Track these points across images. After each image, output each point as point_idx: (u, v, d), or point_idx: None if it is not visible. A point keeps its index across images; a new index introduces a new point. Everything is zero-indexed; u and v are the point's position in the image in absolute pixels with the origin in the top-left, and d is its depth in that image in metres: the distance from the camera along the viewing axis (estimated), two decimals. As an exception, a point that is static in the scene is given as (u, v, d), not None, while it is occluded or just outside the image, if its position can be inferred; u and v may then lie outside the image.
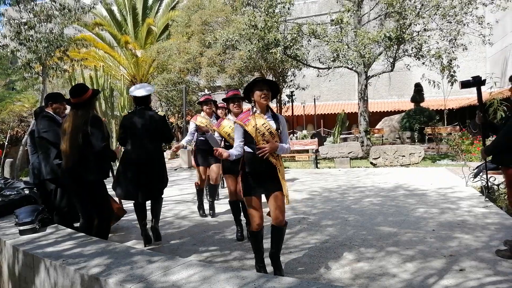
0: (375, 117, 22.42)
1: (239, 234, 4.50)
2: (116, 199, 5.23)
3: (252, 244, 3.33)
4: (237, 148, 3.29)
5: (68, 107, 4.45)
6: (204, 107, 5.66)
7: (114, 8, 21.51)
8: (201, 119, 5.64)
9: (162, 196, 4.58)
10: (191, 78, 20.37)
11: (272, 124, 3.22)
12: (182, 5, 21.36)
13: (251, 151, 3.20)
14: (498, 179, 6.11)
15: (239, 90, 4.77)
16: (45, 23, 9.79)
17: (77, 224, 5.08)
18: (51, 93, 4.86)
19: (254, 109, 3.27)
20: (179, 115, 20.14)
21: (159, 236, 4.50)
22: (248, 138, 3.22)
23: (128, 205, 6.58)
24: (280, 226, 3.23)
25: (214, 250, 4.14)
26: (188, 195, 7.79)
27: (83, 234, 3.62)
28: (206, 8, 18.46)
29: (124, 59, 20.93)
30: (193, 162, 6.08)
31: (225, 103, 4.74)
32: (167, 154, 19.25)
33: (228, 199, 4.56)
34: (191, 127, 5.66)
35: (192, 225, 5.29)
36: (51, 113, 4.57)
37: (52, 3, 9.75)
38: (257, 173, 3.19)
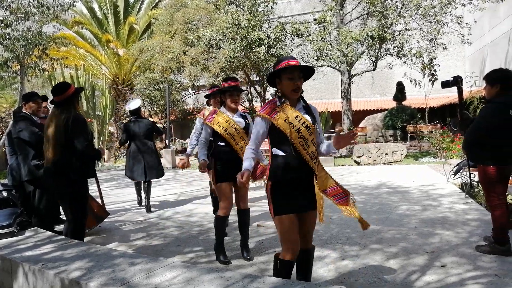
0: (358, 116, 22.63)
1: (223, 259, 3.70)
2: (99, 200, 5.15)
3: (281, 275, 2.51)
4: (251, 152, 2.56)
5: (50, 107, 4.36)
6: (212, 101, 4.86)
7: (95, 6, 21.12)
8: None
9: (152, 181, 6.38)
10: (174, 77, 20.18)
11: (307, 117, 2.52)
12: (165, 3, 21.13)
13: (284, 154, 2.47)
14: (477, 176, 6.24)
15: (238, 79, 3.89)
16: (23, 21, 9.54)
17: (57, 227, 4.99)
18: (27, 93, 4.77)
19: (283, 98, 2.53)
20: (163, 115, 19.94)
21: (150, 209, 6.21)
22: (278, 137, 2.50)
23: (111, 206, 6.50)
24: (309, 250, 2.65)
25: (199, 251, 4.10)
26: (171, 195, 7.71)
27: (63, 237, 3.55)
28: (189, 6, 18.30)
29: (106, 58, 20.58)
30: (209, 178, 4.95)
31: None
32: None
33: (217, 214, 3.77)
34: (198, 125, 5.01)
35: (176, 226, 5.24)
36: (28, 113, 4.47)
37: (30, 0, 9.52)
38: (293, 184, 2.46)
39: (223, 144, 3.70)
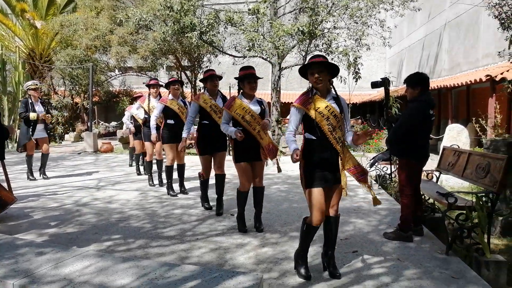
0: (287, 108, 23.19)
1: (242, 227, 4.17)
2: (5, 185, 4.71)
3: (304, 238, 3.07)
4: (292, 135, 3.01)
5: None
6: (209, 84, 4.91)
7: (9, -30, 18.99)
8: (205, 98, 4.89)
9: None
10: (99, 57, 18.96)
11: (336, 107, 2.96)
12: (91, -24, 19.67)
13: (315, 138, 2.94)
14: (390, 169, 6.77)
15: (254, 68, 4.37)
16: None
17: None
18: None
19: (314, 91, 2.99)
20: (85, 95, 18.67)
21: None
22: (310, 124, 2.94)
23: (20, 191, 5.98)
24: (337, 216, 3.10)
25: (117, 239, 3.94)
26: (91, 181, 7.30)
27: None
28: (119, -18, 17.25)
29: (20, 30, 18.64)
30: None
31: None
32: (70, 136, 17.82)
33: (239, 189, 4.20)
34: (193, 109, 4.95)
35: (94, 213, 4.97)
36: None
37: None
38: (321, 163, 2.92)
39: (241, 129, 4.02)
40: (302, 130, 3.10)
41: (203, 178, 5.12)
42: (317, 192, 2.89)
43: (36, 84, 7.35)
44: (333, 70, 3.00)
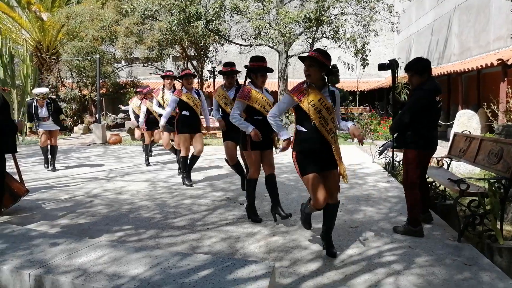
0: (294, 96, 23.04)
1: (255, 218, 4.17)
2: (16, 177, 4.76)
3: (306, 219, 3.30)
4: (279, 121, 3.16)
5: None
6: (225, 79, 5.07)
7: (14, -37, 18.96)
8: (221, 92, 5.08)
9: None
10: (106, 48, 18.98)
11: (329, 100, 3.03)
12: (96, -34, 19.57)
13: (306, 130, 3.02)
14: (400, 156, 6.71)
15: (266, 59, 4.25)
16: None
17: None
18: None
19: (308, 82, 3.03)
20: (93, 87, 18.75)
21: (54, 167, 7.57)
22: (302, 116, 3.02)
23: (32, 183, 6.06)
24: (335, 204, 3.15)
25: (129, 229, 3.97)
26: (101, 172, 7.36)
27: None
28: (123, -28, 17.15)
29: (27, 22, 18.70)
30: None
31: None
32: (79, 128, 17.95)
33: (248, 177, 4.27)
34: (214, 104, 5.15)
35: (105, 204, 5.02)
36: None
37: None
38: (313, 153, 3.02)
39: (261, 118, 3.98)
40: (294, 122, 3.17)
41: (232, 163, 5.13)
42: (313, 177, 2.98)
43: (44, 94, 7.43)
44: (326, 68, 3.02)
